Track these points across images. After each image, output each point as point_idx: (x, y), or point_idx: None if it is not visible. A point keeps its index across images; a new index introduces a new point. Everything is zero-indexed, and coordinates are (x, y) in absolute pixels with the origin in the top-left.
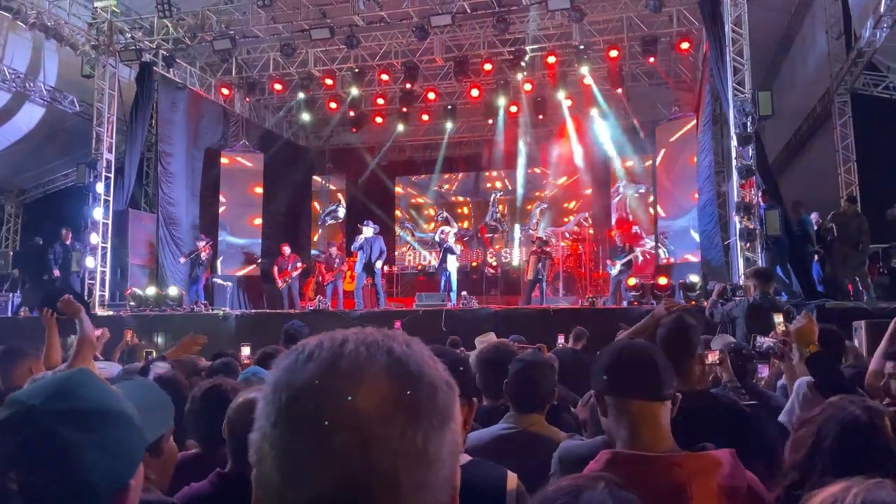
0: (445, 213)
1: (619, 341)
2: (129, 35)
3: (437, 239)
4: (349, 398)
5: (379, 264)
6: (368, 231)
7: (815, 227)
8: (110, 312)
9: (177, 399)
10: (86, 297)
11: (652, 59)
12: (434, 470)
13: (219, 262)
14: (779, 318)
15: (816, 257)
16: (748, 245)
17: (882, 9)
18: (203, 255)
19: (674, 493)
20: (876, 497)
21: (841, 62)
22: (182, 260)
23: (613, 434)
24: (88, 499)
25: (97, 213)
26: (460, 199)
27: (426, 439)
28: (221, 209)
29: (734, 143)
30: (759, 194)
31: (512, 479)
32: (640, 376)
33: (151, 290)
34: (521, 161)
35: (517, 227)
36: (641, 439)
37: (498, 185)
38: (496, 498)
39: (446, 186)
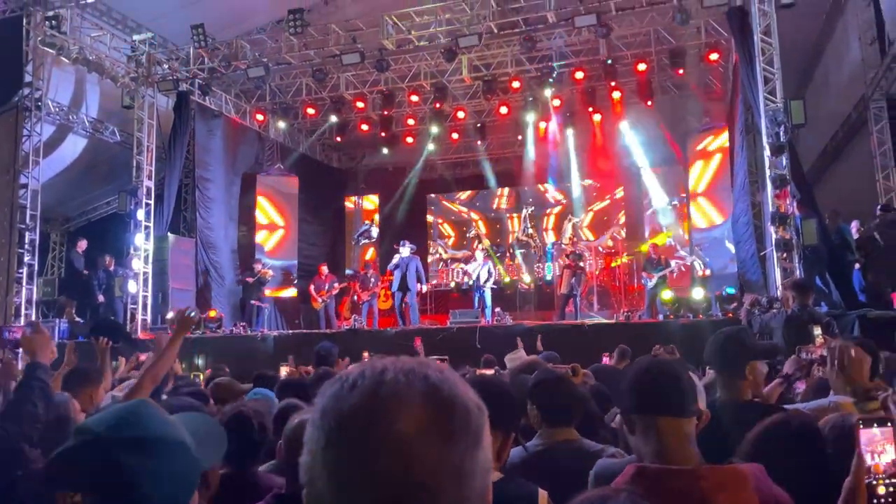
0: (476, 231)
1: (642, 359)
2: (167, 66)
3: (469, 281)
4: (390, 423)
5: (418, 286)
6: (405, 251)
7: (856, 236)
8: (152, 336)
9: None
10: (129, 322)
11: (681, 71)
12: (470, 485)
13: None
14: (818, 331)
15: (857, 266)
16: (785, 256)
17: None
18: (268, 277)
19: None
20: None
21: (875, 68)
22: (249, 281)
23: (641, 451)
24: None
25: (138, 239)
26: (492, 215)
27: (462, 457)
28: (258, 232)
29: (767, 152)
30: (795, 204)
31: (543, 497)
32: (665, 394)
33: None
34: (552, 176)
35: (550, 241)
36: (668, 455)
37: (530, 200)
38: None
39: (479, 203)
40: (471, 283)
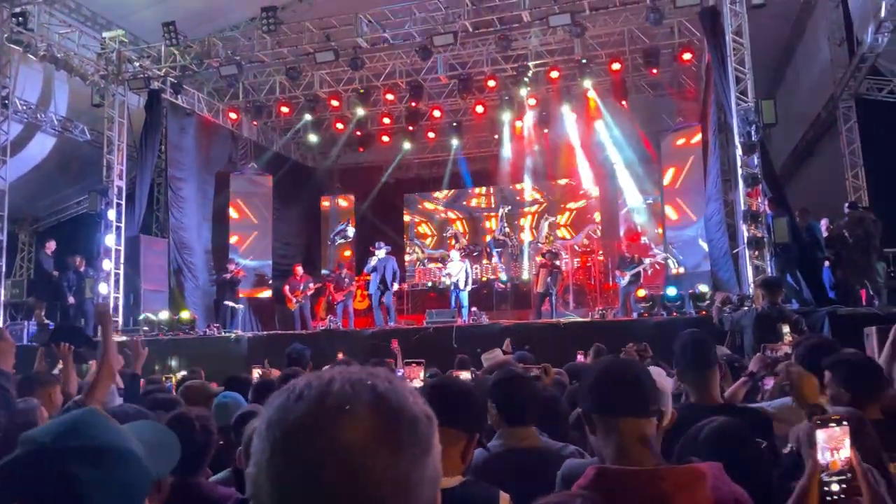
0: (454, 230)
1: (604, 359)
2: (138, 64)
3: (448, 282)
4: (337, 433)
5: (395, 286)
6: (381, 252)
7: (825, 233)
8: (124, 338)
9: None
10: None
11: (654, 71)
12: (416, 495)
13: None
14: (786, 329)
15: (827, 263)
16: (757, 253)
17: (883, 13)
18: (240, 277)
19: None
20: None
21: (844, 68)
22: (225, 278)
23: (601, 451)
24: None
25: (109, 239)
26: (468, 214)
27: (409, 468)
28: (232, 232)
29: (739, 151)
30: (766, 202)
31: (504, 500)
32: (625, 394)
33: (164, 315)
34: (529, 175)
35: (526, 240)
36: (628, 455)
37: (507, 199)
38: None
39: (456, 202)
40: (448, 283)
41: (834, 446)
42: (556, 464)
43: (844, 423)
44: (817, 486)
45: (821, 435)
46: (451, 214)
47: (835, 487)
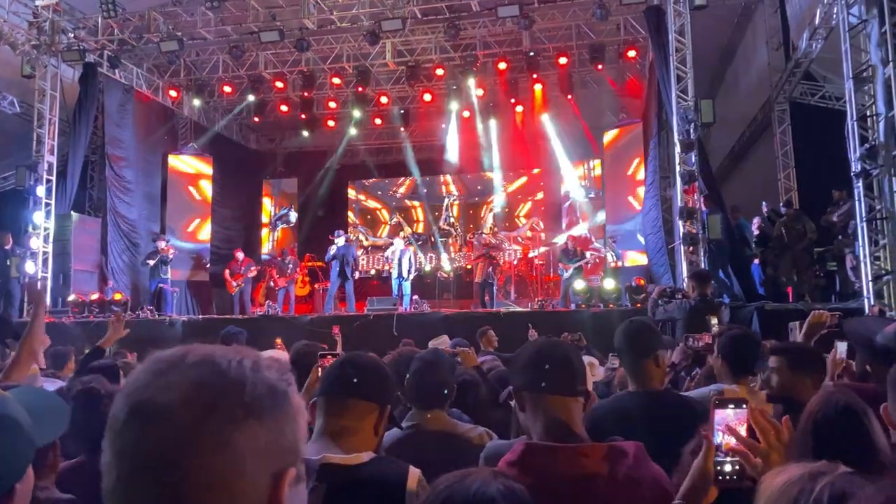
0: (398, 218)
1: (536, 340)
2: (73, 35)
3: (392, 270)
4: (152, 395)
5: (356, 275)
6: (340, 241)
7: (756, 232)
8: (52, 319)
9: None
10: (26, 304)
11: (600, 67)
12: (234, 462)
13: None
14: (714, 321)
15: (757, 260)
16: (691, 249)
17: (817, 20)
18: (170, 255)
19: (582, 481)
20: (845, 488)
21: (780, 72)
22: (150, 263)
23: (530, 428)
24: None
25: (38, 217)
26: (414, 202)
27: (231, 429)
28: (169, 213)
29: (677, 149)
30: (702, 199)
31: (413, 477)
32: (555, 373)
33: (95, 296)
34: (474, 166)
35: (472, 231)
36: (556, 432)
37: (453, 189)
38: (396, 496)
39: (401, 190)
40: (392, 271)
41: (730, 429)
42: (462, 445)
43: (744, 405)
44: (712, 466)
45: (717, 416)
46: (395, 203)
47: (727, 468)
